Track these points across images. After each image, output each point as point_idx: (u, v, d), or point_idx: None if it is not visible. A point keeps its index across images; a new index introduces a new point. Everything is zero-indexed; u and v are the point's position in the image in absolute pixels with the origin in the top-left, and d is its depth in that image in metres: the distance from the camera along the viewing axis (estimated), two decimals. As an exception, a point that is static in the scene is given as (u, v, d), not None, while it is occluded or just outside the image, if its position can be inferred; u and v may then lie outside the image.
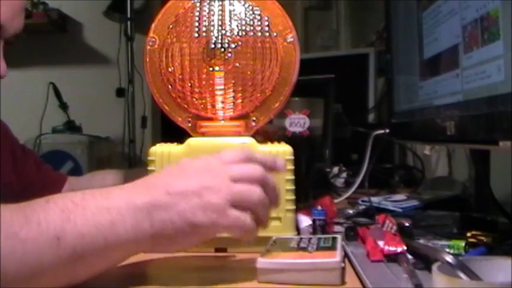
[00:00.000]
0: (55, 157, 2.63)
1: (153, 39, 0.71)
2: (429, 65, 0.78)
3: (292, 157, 0.68)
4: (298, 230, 0.71)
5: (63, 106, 2.98)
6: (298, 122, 0.91)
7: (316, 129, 0.92)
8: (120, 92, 3.00)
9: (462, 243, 0.60)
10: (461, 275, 0.41)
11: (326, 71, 1.35)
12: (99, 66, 3.15)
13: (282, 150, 0.68)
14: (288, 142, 0.70)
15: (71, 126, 2.91)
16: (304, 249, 0.57)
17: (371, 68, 1.84)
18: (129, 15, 2.84)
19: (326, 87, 1.30)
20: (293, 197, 0.67)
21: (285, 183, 0.67)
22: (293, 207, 0.68)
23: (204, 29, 0.70)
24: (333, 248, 0.57)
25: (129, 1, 2.83)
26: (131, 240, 0.50)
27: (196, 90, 0.70)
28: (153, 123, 3.10)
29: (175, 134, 0.74)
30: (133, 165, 2.85)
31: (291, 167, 0.67)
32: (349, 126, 1.47)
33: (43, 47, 3.13)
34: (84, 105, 3.04)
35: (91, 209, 0.49)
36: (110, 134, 3.02)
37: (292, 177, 0.68)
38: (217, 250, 0.66)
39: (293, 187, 0.67)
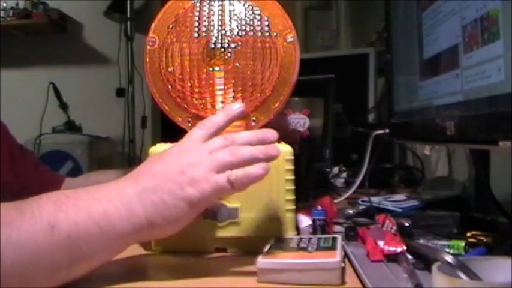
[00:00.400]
0: (55, 157, 2.63)
1: (153, 39, 0.71)
2: (429, 65, 0.78)
3: (292, 157, 0.68)
4: (298, 230, 0.71)
5: (63, 106, 2.98)
6: (298, 122, 0.92)
7: (316, 129, 0.93)
8: (120, 92, 3.01)
9: (462, 243, 0.60)
10: (461, 275, 0.41)
11: (326, 71, 1.35)
12: (99, 66, 3.16)
13: (282, 150, 0.68)
14: (288, 142, 0.70)
15: (71, 126, 2.91)
16: (304, 249, 0.57)
17: (371, 68, 1.85)
18: (129, 15, 2.84)
19: (326, 87, 1.30)
20: (293, 197, 0.67)
21: (284, 183, 0.67)
22: (293, 207, 0.68)
23: (204, 29, 0.70)
24: (333, 248, 0.57)
25: (129, 1, 2.83)
26: (128, 227, 0.52)
27: (196, 90, 0.70)
28: (153, 123, 3.11)
29: (175, 134, 0.73)
30: (133, 165, 2.84)
31: (290, 167, 0.67)
32: (349, 126, 1.47)
33: (43, 47, 3.14)
34: (84, 105, 3.04)
35: (83, 200, 0.51)
36: (110, 134, 3.02)
37: (292, 177, 0.68)
38: (217, 250, 0.66)
39: (293, 187, 0.67)
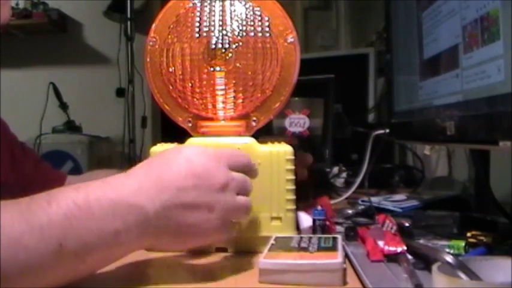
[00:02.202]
0: (55, 157, 2.63)
1: (154, 39, 0.71)
2: (429, 65, 0.79)
3: (293, 157, 0.68)
4: (298, 229, 0.71)
5: (63, 106, 2.98)
6: (298, 122, 0.92)
7: (316, 129, 0.93)
8: (120, 92, 3.00)
9: (462, 243, 0.60)
10: (461, 275, 0.41)
11: (326, 71, 1.35)
12: (99, 66, 3.16)
13: (282, 150, 0.68)
14: (288, 142, 0.70)
15: (71, 126, 2.91)
16: (305, 249, 0.57)
17: (371, 68, 1.85)
18: (129, 15, 2.84)
19: (326, 87, 1.30)
20: (293, 197, 0.68)
21: (285, 183, 0.67)
22: (293, 207, 0.68)
23: (204, 29, 0.70)
24: (333, 248, 0.57)
25: (129, 1, 2.83)
26: (134, 242, 0.51)
27: (197, 90, 0.70)
28: (153, 123, 3.11)
29: (175, 134, 0.74)
30: (133, 165, 2.84)
31: (291, 167, 0.67)
32: (349, 126, 1.47)
33: (43, 47, 3.14)
34: (84, 105, 3.04)
35: (95, 217, 0.48)
36: (110, 134, 3.02)
37: (293, 177, 0.68)
38: (217, 250, 0.67)
39: (293, 187, 0.68)
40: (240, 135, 0.70)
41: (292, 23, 0.70)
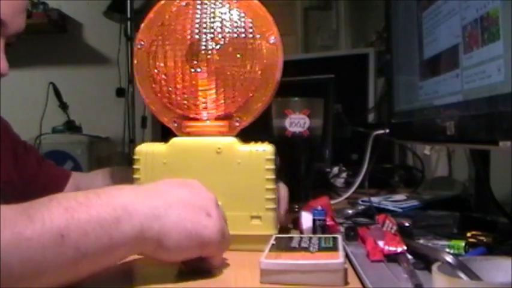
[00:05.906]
0: (55, 157, 2.62)
1: (141, 42, 0.72)
2: (429, 65, 0.79)
3: (273, 157, 0.68)
4: (300, 229, 0.71)
5: (63, 106, 2.98)
6: (298, 122, 0.91)
7: (316, 129, 0.92)
8: (120, 92, 3.00)
9: (462, 243, 0.60)
10: (461, 275, 0.41)
11: (326, 71, 1.35)
12: (99, 66, 3.15)
13: (262, 150, 0.68)
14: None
15: (71, 126, 2.91)
16: (305, 249, 0.57)
17: (371, 68, 1.84)
18: (129, 15, 2.84)
19: (326, 87, 1.31)
20: (273, 196, 0.68)
21: (265, 182, 0.67)
22: (274, 206, 0.68)
23: (188, 31, 0.71)
24: (334, 248, 0.57)
25: (129, 1, 2.83)
26: (137, 237, 0.51)
27: (181, 91, 0.71)
28: (153, 123, 3.10)
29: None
30: (133, 165, 2.85)
31: (271, 166, 0.67)
32: (349, 126, 1.47)
33: (43, 47, 3.13)
34: (84, 105, 3.04)
35: (95, 207, 0.49)
36: (110, 134, 3.02)
37: (273, 176, 0.68)
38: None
39: (273, 186, 0.68)
40: (223, 135, 0.70)
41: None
